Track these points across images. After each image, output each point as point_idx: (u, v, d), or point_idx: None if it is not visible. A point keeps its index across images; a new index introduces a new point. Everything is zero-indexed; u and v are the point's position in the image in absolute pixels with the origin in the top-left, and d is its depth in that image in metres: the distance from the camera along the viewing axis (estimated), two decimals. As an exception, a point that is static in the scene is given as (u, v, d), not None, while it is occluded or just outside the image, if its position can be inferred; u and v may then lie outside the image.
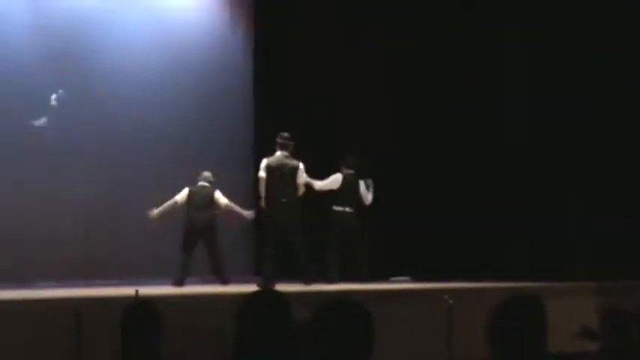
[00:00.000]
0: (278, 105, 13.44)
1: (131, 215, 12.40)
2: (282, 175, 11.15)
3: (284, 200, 11.15)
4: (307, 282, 10.96)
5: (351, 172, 12.16)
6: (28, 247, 11.61)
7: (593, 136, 12.26)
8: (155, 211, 11.74)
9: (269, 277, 10.84)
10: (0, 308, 7.52)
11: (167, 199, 11.82)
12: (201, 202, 11.83)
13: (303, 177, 11.31)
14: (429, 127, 13.54)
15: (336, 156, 12.34)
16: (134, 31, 13.14)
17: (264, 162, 11.24)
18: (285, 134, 11.31)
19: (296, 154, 11.41)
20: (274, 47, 13.96)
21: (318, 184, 11.96)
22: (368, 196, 12.22)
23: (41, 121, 11.95)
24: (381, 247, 13.19)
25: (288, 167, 11.22)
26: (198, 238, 11.79)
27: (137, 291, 7.41)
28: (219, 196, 11.90)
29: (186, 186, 11.90)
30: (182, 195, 11.83)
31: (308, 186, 11.60)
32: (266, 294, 3.81)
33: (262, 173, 11.19)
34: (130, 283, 10.43)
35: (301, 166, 11.31)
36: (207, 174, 12.02)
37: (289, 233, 11.16)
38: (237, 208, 11.89)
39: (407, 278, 12.72)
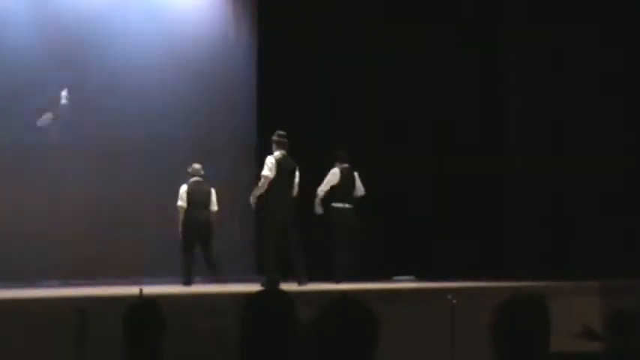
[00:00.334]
0: (281, 103, 13.44)
1: (135, 214, 12.42)
2: (287, 174, 11.11)
3: (288, 200, 11.13)
4: (301, 282, 10.88)
5: (346, 166, 12.14)
6: (31, 246, 11.61)
7: (594, 135, 12.26)
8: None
9: (273, 277, 10.82)
10: (3, 307, 7.52)
11: (169, 198, 11.81)
12: (199, 199, 11.81)
13: (298, 178, 11.24)
14: (430, 126, 13.54)
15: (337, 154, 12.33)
16: (137, 28, 13.16)
17: (273, 160, 11.03)
18: (282, 132, 11.24)
19: (295, 152, 11.38)
20: (277, 45, 13.96)
21: (320, 189, 11.93)
22: (361, 188, 12.18)
23: (46, 117, 11.94)
24: (384, 247, 13.21)
25: (291, 167, 11.19)
26: (197, 237, 11.77)
27: (141, 290, 7.39)
28: (215, 200, 11.91)
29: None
30: (183, 196, 11.79)
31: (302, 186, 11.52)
32: (271, 293, 3.80)
33: (270, 172, 11.00)
34: (133, 282, 10.42)
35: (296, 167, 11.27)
36: (197, 166, 11.91)
37: (289, 233, 11.12)
38: (216, 219, 11.92)
39: (410, 278, 12.71)
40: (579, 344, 6.18)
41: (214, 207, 11.88)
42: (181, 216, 11.73)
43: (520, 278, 11.48)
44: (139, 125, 12.89)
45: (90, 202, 12.28)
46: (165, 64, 13.27)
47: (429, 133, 13.57)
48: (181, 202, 11.75)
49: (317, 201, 11.90)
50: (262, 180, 11.02)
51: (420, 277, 12.57)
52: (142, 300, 5.34)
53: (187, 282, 11.41)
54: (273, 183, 10.99)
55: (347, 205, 12.04)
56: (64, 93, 12.05)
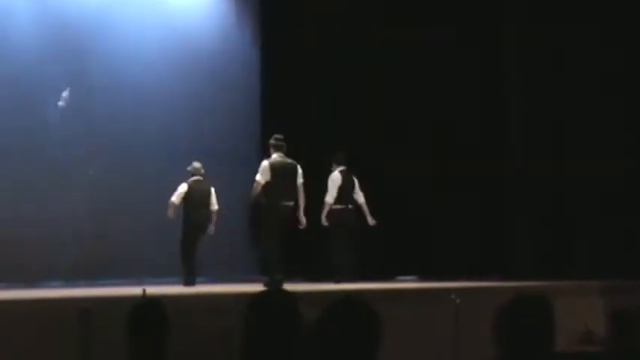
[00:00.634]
0: (282, 103, 13.44)
1: (136, 213, 12.41)
2: (284, 176, 11.08)
3: (288, 202, 11.11)
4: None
5: (343, 168, 12.13)
6: (35, 247, 11.60)
7: (594, 134, 12.27)
8: (171, 215, 11.74)
9: (276, 277, 10.81)
10: (6, 308, 7.53)
11: (170, 198, 11.80)
12: (199, 198, 11.77)
13: (301, 178, 11.19)
14: (430, 126, 13.54)
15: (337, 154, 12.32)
16: (138, 29, 13.15)
17: (266, 164, 11.02)
18: (279, 135, 11.23)
19: (296, 152, 11.37)
20: (279, 45, 13.96)
21: (329, 197, 11.94)
22: (360, 194, 12.17)
23: (64, 96, 12.01)
24: (387, 247, 13.20)
25: (289, 168, 11.17)
26: (197, 236, 11.75)
27: (144, 290, 7.40)
28: (214, 199, 11.85)
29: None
30: (181, 193, 11.78)
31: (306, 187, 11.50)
32: (274, 293, 3.81)
33: (262, 176, 10.97)
34: (136, 283, 10.44)
35: (299, 167, 11.21)
36: (197, 165, 11.87)
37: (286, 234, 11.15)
38: (214, 218, 11.84)
39: (413, 277, 12.72)
40: (581, 344, 6.19)
41: (214, 206, 11.85)
42: (170, 212, 11.68)
43: (521, 278, 11.48)
44: (139, 125, 12.88)
45: (91, 202, 12.27)
46: (167, 64, 13.27)
47: (430, 133, 13.56)
48: (174, 199, 11.71)
49: (325, 212, 11.89)
50: (254, 184, 11.02)
51: (422, 277, 12.57)
52: (146, 300, 5.34)
53: (189, 282, 11.40)
54: (267, 186, 10.98)
55: (349, 206, 12.05)
56: (64, 94, 12.07)
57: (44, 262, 11.63)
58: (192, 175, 11.84)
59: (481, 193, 13.23)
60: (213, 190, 11.87)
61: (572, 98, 12.46)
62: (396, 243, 13.24)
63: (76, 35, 12.50)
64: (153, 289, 8.58)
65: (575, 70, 12.44)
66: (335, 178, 12.03)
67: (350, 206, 12.05)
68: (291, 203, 11.08)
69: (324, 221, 11.90)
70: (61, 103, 12.08)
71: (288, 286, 8.85)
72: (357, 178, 12.18)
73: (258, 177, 10.97)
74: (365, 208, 12.10)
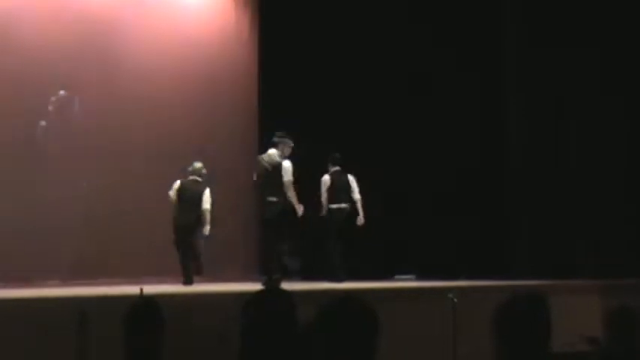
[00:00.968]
0: (282, 102, 13.43)
1: (135, 213, 12.40)
2: (265, 174, 11.11)
3: (272, 199, 11.10)
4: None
5: (337, 168, 12.15)
6: (32, 246, 11.59)
7: (595, 132, 12.27)
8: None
9: (275, 275, 10.80)
10: (3, 307, 7.51)
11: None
12: (189, 200, 11.62)
13: (288, 174, 11.10)
14: (431, 126, 13.55)
15: (338, 154, 12.32)
16: (137, 28, 13.14)
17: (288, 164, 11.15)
18: (280, 133, 11.28)
19: (296, 151, 11.36)
20: (278, 44, 13.95)
21: (323, 200, 11.99)
22: (357, 192, 12.17)
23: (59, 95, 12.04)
24: (385, 246, 13.21)
25: (273, 165, 11.15)
26: (182, 237, 11.68)
27: (142, 290, 7.39)
28: (206, 199, 11.63)
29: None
30: (174, 188, 11.70)
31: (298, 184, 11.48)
32: (271, 293, 3.80)
33: (254, 176, 11.17)
34: (134, 282, 10.42)
35: (285, 163, 11.15)
36: (197, 165, 11.79)
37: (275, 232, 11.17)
38: (208, 218, 11.62)
39: (412, 276, 12.72)
40: (579, 344, 6.18)
41: (205, 205, 11.65)
42: (172, 208, 11.69)
43: (520, 277, 11.49)
44: (139, 124, 12.87)
45: (90, 202, 12.26)
46: (166, 64, 13.26)
47: (430, 132, 13.56)
48: (170, 193, 11.68)
49: (322, 212, 12.03)
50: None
51: (421, 276, 12.57)
52: (143, 299, 5.33)
53: (186, 282, 11.39)
54: (257, 185, 11.11)
55: (342, 206, 12.05)
56: (61, 92, 12.07)
57: (41, 262, 11.61)
58: (191, 174, 11.79)
59: (480, 192, 13.23)
60: (207, 191, 11.66)
61: (572, 97, 12.46)
62: (394, 242, 13.25)
63: (76, 35, 12.49)
64: (150, 289, 8.57)
65: (573, 72, 12.46)
66: (324, 180, 12.09)
67: (343, 206, 12.05)
68: (274, 199, 11.07)
69: (323, 211, 12.01)
70: (50, 107, 12.09)
71: (286, 285, 8.86)
72: (356, 177, 12.17)
73: (254, 177, 11.04)
74: (359, 205, 12.09)
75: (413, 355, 8.61)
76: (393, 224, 13.30)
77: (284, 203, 11.07)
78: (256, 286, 7.16)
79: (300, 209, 11.07)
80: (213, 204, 11.63)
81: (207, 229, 11.58)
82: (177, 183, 11.70)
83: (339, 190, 12.10)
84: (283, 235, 11.07)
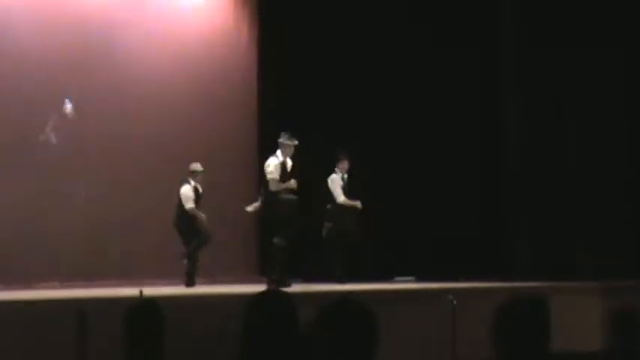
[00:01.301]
0: (281, 102, 13.43)
1: (134, 214, 12.40)
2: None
3: (261, 198, 11.36)
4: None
5: (345, 167, 12.12)
6: (31, 248, 11.58)
7: (594, 132, 12.27)
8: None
9: (278, 277, 10.78)
10: (3, 309, 7.51)
11: (169, 198, 11.84)
12: (178, 198, 11.91)
13: (267, 172, 11.20)
14: (431, 126, 13.54)
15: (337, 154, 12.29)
16: (136, 28, 13.12)
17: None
18: (283, 133, 11.34)
19: (296, 151, 11.38)
20: (278, 45, 13.94)
21: (342, 198, 11.99)
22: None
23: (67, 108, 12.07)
24: (385, 248, 13.20)
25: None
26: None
27: (141, 291, 7.39)
28: (181, 197, 11.79)
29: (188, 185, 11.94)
30: (192, 199, 11.82)
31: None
32: (272, 294, 3.80)
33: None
34: (133, 284, 10.42)
35: (268, 161, 11.24)
36: (191, 166, 11.88)
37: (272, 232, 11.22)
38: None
39: (411, 278, 12.71)
40: (579, 344, 6.19)
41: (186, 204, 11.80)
42: (196, 213, 11.71)
43: (521, 278, 11.48)
44: (138, 126, 12.86)
45: (90, 203, 12.26)
46: (165, 64, 13.25)
47: (429, 133, 13.55)
48: (191, 204, 11.75)
49: (349, 203, 11.96)
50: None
51: (420, 278, 12.56)
52: (143, 301, 5.33)
53: (187, 283, 11.42)
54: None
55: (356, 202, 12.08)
56: (66, 106, 12.12)
57: (41, 263, 11.60)
58: (194, 176, 11.89)
59: (480, 192, 13.22)
60: (182, 189, 11.77)
61: (571, 97, 12.46)
62: (393, 244, 13.24)
63: (75, 37, 12.48)
64: (150, 290, 8.57)
65: (572, 72, 12.46)
66: (334, 179, 12.06)
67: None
68: (261, 198, 11.32)
69: (357, 203, 12.01)
70: (68, 111, 12.13)
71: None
72: (357, 176, 12.17)
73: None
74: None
75: (412, 356, 8.61)
76: (393, 225, 13.29)
77: (271, 201, 11.17)
78: (256, 288, 7.15)
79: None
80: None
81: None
82: (190, 190, 11.73)
83: (345, 190, 12.12)
84: (273, 232, 11.17)
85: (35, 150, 11.95)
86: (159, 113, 13.06)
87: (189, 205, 11.70)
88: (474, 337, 6.59)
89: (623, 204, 12.01)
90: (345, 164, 12.10)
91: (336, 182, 12.06)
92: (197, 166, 11.88)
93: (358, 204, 11.96)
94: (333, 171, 12.12)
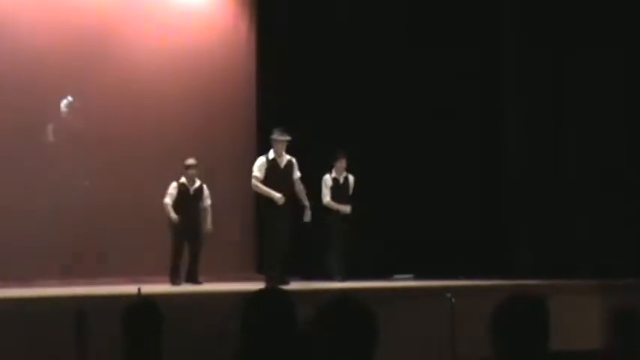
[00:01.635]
0: (281, 101, 13.43)
1: (134, 213, 12.40)
2: None
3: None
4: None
5: (341, 165, 12.11)
6: (30, 246, 11.59)
7: (594, 133, 12.26)
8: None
9: (276, 275, 10.78)
10: (2, 307, 7.50)
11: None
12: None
13: (254, 171, 11.19)
14: (430, 126, 13.54)
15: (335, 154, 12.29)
16: (135, 28, 13.13)
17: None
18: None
19: (294, 150, 11.37)
20: (277, 43, 13.94)
21: (326, 199, 11.98)
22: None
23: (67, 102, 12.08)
24: (384, 246, 13.20)
25: None
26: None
27: (139, 289, 7.39)
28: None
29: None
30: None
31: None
32: (270, 292, 3.79)
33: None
34: (132, 282, 10.42)
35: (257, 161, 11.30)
36: (186, 161, 11.94)
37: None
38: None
39: (410, 276, 12.71)
40: (582, 343, 6.18)
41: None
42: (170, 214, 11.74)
43: (520, 277, 11.48)
44: (138, 126, 12.87)
45: (90, 201, 12.26)
46: (165, 64, 13.26)
47: (429, 132, 13.55)
48: (166, 199, 11.79)
49: (334, 206, 11.97)
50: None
51: (419, 276, 12.56)
52: (141, 299, 5.33)
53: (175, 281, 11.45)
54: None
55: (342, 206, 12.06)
56: (64, 101, 12.11)
57: (39, 261, 11.60)
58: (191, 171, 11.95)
59: (480, 192, 13.23)
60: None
61: (571, 99, 12.46)
62: (392, 241, 13.24)
63: (71, 36, 12.48)
64: (148, 288, 8.57)
65: (572, 79, 12.46)
66: (325, 180, 12.06)
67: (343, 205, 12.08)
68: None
69: (345, 208, 12.03)
70: (64, 110, 12.12)
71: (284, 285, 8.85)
72: (356, 176, 12.16)
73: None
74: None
75: (411, 355, 8.61)
76: (392, 224, 13.29)
77: (259, 200, 11.33)
78: (255, 286, 7.15)
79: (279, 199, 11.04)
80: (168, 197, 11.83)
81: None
82: (174, 188, 11.80)
83: (339, 190, 12.10)
84: (264, 230, 11.27)
85: (34, 148, 11.95)
86: (158, 113, 13.07)
87: (165, 199, 11.73)
88: (473, 336, 6.58)
89: (623, 204, 12.00)
90: (342, 163, 12.07)
91: (324, 182, 12.04)
92: (188, 161, 11.87)
93: (343, 208, 11.88)
94: (329, 171, 12.13)
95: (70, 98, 12.28)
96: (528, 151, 12.81)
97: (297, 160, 11.32)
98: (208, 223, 11.86)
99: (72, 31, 12.48)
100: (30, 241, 11.62)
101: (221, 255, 12.72)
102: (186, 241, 11.75)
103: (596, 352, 5.67)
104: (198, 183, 11.90)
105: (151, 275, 11.47)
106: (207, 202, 11.89)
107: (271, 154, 11.18)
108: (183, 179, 11.84)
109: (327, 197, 11.99)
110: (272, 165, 11.13)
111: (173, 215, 11.64)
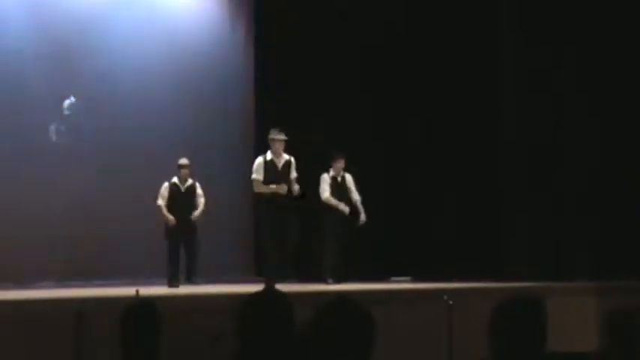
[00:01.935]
0: (278, 101, 13.44)
1: (132, 214, 12.40)
2: None
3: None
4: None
5: (339, 165, 12.09)
6: (28, 247, 11.58)
7: (594, 133, 12.27)
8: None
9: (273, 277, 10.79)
10: (0, 309, 7.51)
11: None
12: None
13: (253, 172, 11.19)
14: (430, 127, 13.54)
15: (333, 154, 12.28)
16: (133, 28, 13.13)
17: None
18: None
19: (293, 150, 11.38)
20: (274, 44, 13.95)
21: (326, 195, 11.95)
22: (355, 193, 12.12)
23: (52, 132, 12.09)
24: (381, 248, 13.21)
25: None
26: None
27: (137, 291, 7.40)
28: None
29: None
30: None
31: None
32: (268, 294, 3.80)
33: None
34: (130, 283, 10.42)
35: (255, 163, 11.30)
36: (179, 161, 11.93)
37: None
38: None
39: (407, 278, 12.72)
40: (579, 344, 6.18)
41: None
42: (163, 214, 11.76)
43: (517, 279, 11.48)
44: (136, 125, 12.87)
45: (88, 203, 12.26)
46: (162, 64, 13.26)
47: (426, 132, 13.56)
48: (159, 201, 11.79)
49: (333, 203, 11.91)
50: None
51: (416, 278, 12.56)
52: (139, 300, 5.33)
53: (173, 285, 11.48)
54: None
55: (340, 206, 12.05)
56: (67, 102, 12.12)
57: (38, 263, 11.60)
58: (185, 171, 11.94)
59: (477, 192, 13.22)
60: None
61: (571, 100, 12.46)
62: (389, 244, 13.25)
63: (71, 36, 12.49)
64: (146, 290, 8.57)
65: (571, 74, 12.46)
66: (323, 179, 12.02)
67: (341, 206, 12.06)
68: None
69: (345, 208, 11.96)
70: (66, 112, 12.15)
71: (282, 287, 8.85)
72: (354, 177, 12.15)
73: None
74: (359, 206, 12.00)
75: (409, 356, 8.62)
76: (389, 226, 13.29)
77: (255, 201, 11.37)
78: (253, 288, 7.16)
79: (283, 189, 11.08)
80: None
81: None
82: (165, 189, 11.79)
83: (337, 190, 12.07)
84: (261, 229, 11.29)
85: (33, 149, 11.95)
86: (157, 115, 13.08)
87: (157, 202, 11.72)
88: (470, 338, 6.60)
89: (623, 205, 12.00)
90: (340, 163, 12.03)
91: (323, 179, 12.02)
92: (181, 160, 11.84)
93: (343, 207, 11.89)
94: (327, 171, 12.12)
95: (72, 99, 12.28)
96: (527, 152, 12.80)
97: (296, 160, 11.32)
98: (197, 212, 11.81)
99: (69, 31, 12.47)
100: (29, 242, 11.62)
101: (219, 256, 12.72)
102: (181, 242, 11.73)
103: (594, 354, 5.67)
104: (190, 182, 11.88)
105: (149, 277, 11.47)
106: (201, 200, 11.85)
107: (269, 155, 11.19)
108: (175, 179, 11.83)
109: (326, 193, 11.96)
110: (270, 165, 11.14)
111: (169, 217, 11.62)
